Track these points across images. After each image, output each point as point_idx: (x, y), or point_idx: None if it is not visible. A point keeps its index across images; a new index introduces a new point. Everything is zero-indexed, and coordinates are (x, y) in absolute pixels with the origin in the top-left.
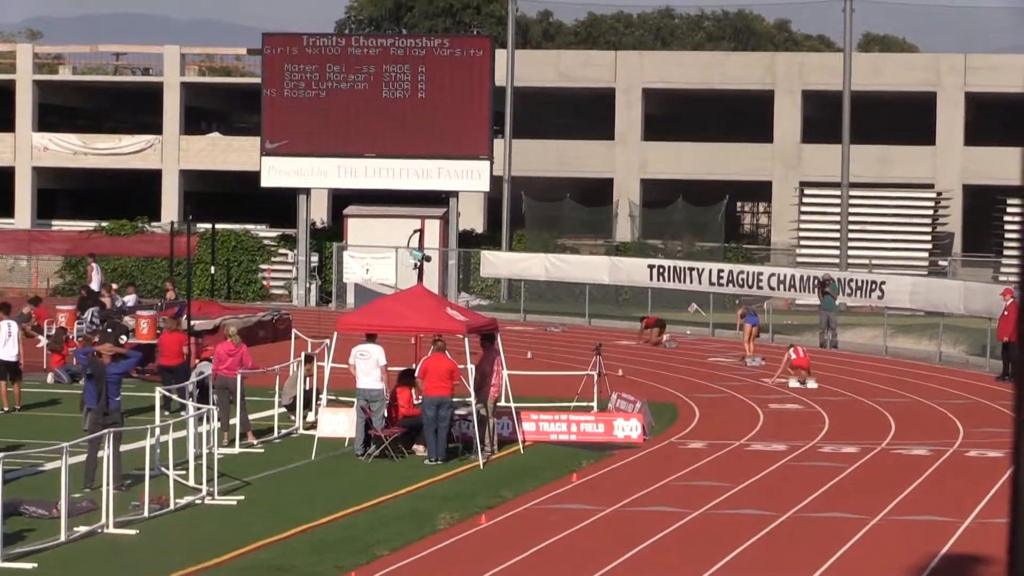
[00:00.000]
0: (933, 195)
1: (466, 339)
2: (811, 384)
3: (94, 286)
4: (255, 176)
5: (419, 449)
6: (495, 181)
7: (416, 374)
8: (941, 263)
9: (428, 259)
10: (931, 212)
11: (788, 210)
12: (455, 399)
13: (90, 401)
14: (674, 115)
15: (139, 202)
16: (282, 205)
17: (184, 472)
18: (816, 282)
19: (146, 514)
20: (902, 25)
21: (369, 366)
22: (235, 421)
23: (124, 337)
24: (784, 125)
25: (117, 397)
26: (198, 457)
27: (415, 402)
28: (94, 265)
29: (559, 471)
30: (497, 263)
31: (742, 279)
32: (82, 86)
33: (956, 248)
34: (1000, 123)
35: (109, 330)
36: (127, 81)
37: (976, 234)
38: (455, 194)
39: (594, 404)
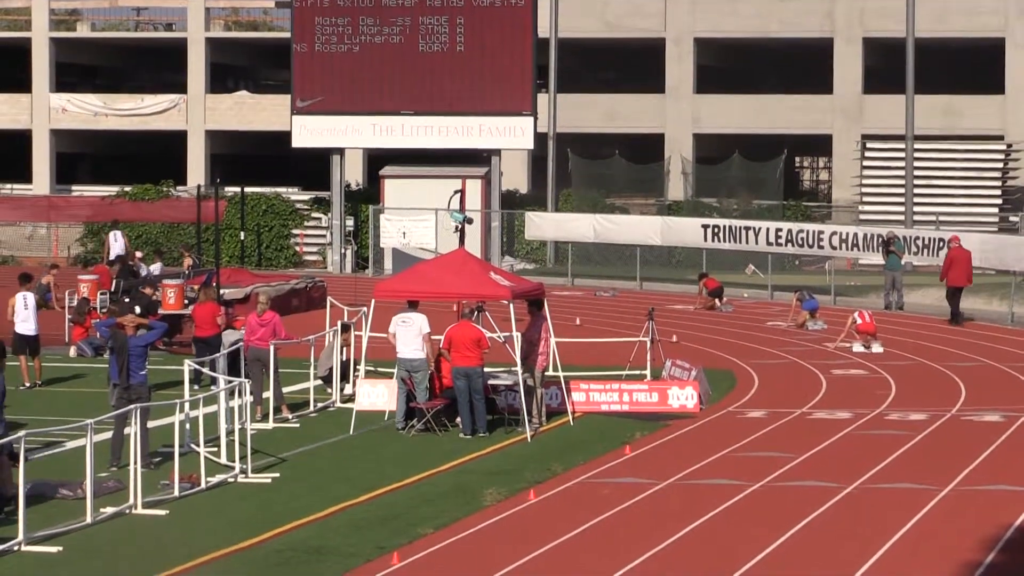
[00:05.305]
0: (1003, 147)
1: (511, 305)
2: (876, 348)
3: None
4: (285, 136)
5: None
6: (539, 138)
7: (441, 344)
8: (1012, 219)
9: (470, 221)
10: (1001, 165)
11: (850, 165)
12: (500, 369)
13: (115, 375)
14: (728, 66)
15: (163, 165)
16: (315, 167)
17: (216, 449)
18: (880, 241)
19: (176, 493)
20: None
21: (411, 335)
22: (268, 394)
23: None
24: (844, 75)
25: (142, 371)
26: (230, 433)
27: None
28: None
29: (611, 443)
30: (543, 225)
31: (802, 238)
32: (101, 43)
33: None
34: None
35: (126, 300)
36: (149, 37)
37: None
38: (497, 152)
39: (647, 372)
